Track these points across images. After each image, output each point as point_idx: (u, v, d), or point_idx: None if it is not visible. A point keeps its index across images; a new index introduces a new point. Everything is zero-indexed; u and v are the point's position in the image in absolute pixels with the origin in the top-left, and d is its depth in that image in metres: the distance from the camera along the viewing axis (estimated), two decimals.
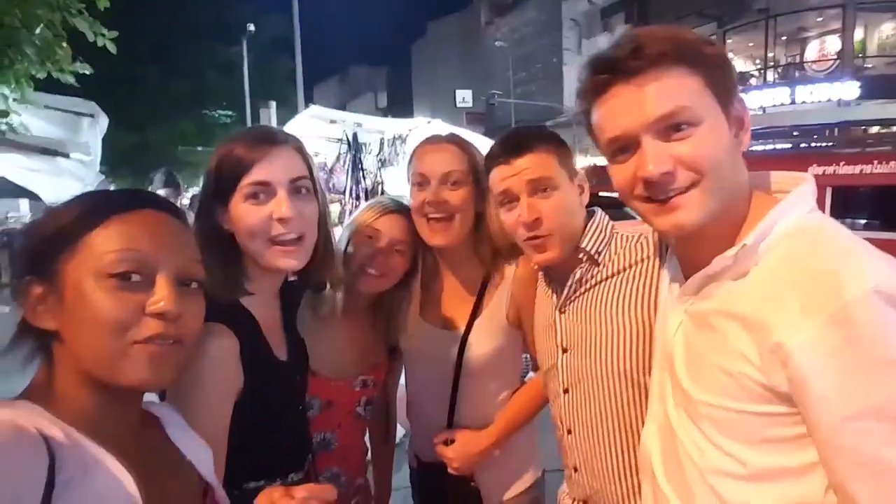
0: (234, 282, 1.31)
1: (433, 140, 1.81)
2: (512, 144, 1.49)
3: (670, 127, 0.96)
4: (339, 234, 1.78)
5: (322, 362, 1.68)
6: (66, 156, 4.71)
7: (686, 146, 0.96)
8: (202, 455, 1.04)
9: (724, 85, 0.99)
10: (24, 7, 3.84)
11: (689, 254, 1.10)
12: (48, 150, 4.56)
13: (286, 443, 1.42)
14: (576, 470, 1.55)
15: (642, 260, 1.43)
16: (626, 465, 1.42)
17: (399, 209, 1.77)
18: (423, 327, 1.82)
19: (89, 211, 0.86)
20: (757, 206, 1.01)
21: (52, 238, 0.85)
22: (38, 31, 4.08)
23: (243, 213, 1.28)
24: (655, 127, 0.97)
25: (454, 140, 1.79)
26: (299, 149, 1.36)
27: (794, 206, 0.97)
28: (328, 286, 1.68)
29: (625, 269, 1.45)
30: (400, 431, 2.23)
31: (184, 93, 17.66)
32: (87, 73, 4.76)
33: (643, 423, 1.37)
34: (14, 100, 4.53)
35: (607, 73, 1.00)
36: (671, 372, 1.08)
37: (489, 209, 1.72)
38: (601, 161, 1.54)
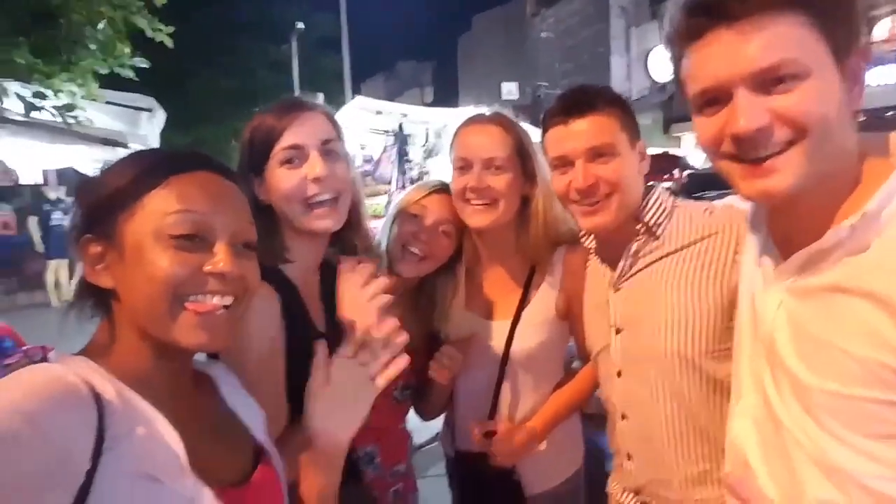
0: (274, 250, 1.34)
1: (477, 120, 1.70)
2: (572, 103, 1.39)
3: (772, 80, 0.86)
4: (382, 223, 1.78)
5: None
6: (126, 146, 4.96)
7: (788, 99, 0.85)
8: (255, 417, 1.04)
9: (844, 33, 0.86)
10: (88, 5, 4.04)
11: (783, 225, 0.98)
12: (109, 142, 4.80)
13: None
14: (629, 458, 1.47)
15: (712, 235, 1.33)
16: (685, 451, 1.36)
17: (447, 189, 1.72)
18: (468, 317, 1.76)
19: (147, 171, 0.86)
20: (871, 173, 0.89)
21: (111, 198, 0.85)
22: (100, 26, 4.28)
23: (279, 177, 1.31)
24: (754, 79, 0.86)
25: (499, 119, 1.68)
26: (326, 114, 1.39)
27: None
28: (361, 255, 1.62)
29: (692, 244, 1.35)
30: (427, 434, 2.14)
31: (236, 90, 18.13)
32: (146, 66, 4.97)
33: (706, 409, 1.32)
34: (81, 96, 4.77)
35: (705, 15, 0.89)
36: (774, 358, 0.95)
37: (537, 192, 1.65)
38: (650, 150, 1.48)
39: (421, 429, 2.05)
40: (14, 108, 4.05)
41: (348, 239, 1.48)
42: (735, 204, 1.33)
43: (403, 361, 1.05)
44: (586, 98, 1.39)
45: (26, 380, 0.72)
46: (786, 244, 0.97)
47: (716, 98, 0.91)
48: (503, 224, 1.65)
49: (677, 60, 0.97)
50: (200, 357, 1.01)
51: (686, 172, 12.19)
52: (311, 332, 1.37)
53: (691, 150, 15.39)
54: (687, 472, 1.36)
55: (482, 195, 1.61)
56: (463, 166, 1.64)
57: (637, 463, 1.45)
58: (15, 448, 0.64)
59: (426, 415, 1.91)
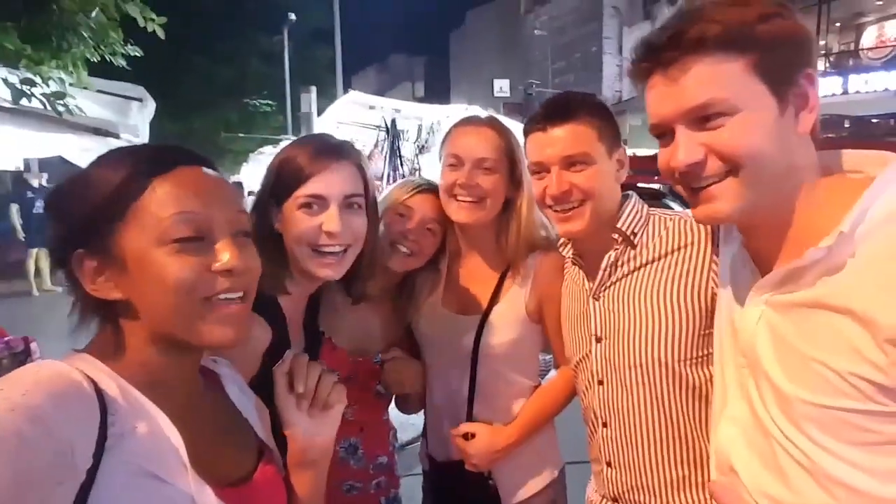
0: (279, 279, 1.36)
1: (471, 121, 1.76)
2: (552, 111, 1.43)
3: (703, 118, 0.93)
4: None
5: (344, 338, 1.68)
6: (117, 136, 4.92)
7: (719, 135, 0.92)
8: (258, 415, 1.05)
9: (781, 63, 0.91)
10: None
11: (755, 240, 1.04)
12: (100, 131, 4.76)
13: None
14: (609, 465, 1.49)
15: (689, 244, 1.37)
16: (665, 457, 1.39)
17: (431, 188, 1.77)
18: (440, 312, 1.79)
19: (130, 177, 0.83)
20: (833, 189, 0.93)
21: (97, 210, 0.82)
22: (93, 14, 4.24)
23: (296, 219, 1.33)
24: (687, 118, 0.95)
25: (491, 123, 1.74)
26: (359, 165, 1.41)
27: (888, 188, 0.86)
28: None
29: (668, 254, 1.39)
30: (412, 432, 2.15)
31: (227, 81, 17.97)
32: (138, 55, 4.93)
33: (685, 415, 1.36)
34: (70, 84, 4.71)
35: (647, 61, 0.99)
36: (756, 368, 0.99)
37: (521, 197, 1.70)
38: (641, 151, 1.52)
39: (406, 427, 2.05)
40: (1, 94, 3.98)
41: (354, 284, 1.52)
42: None
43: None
44: (566, 106, 1.43)
45: (30, 377, 0.72)
46: (761, 258, 1.01)
47: (664, 133, 1.01)
48: (485, 222, 1.71)
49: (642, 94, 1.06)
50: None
51: None
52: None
53: None
54: (667, 478, 1.39)
55: (470, 192, 1.66)
56: (454, 163, 1.69)
57: (617, 470, 1.47)
58: (19, 445, 0.64)
59: (405, 409, 1.93)
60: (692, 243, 1.37)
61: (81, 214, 0.82)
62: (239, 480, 0.92)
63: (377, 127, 8.09)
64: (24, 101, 4.05)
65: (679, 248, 1.38)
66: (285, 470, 1.06)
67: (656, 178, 12.39)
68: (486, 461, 1.70)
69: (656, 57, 0.97)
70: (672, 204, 7.55)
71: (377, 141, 8.18)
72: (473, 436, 1.70)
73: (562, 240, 1.59)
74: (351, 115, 8.05)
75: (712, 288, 1.31)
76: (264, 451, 1.01)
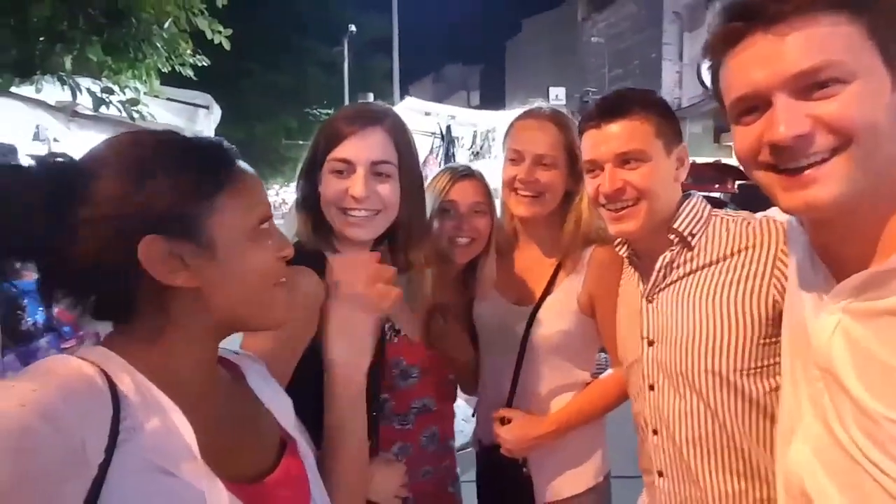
0: (325, 237, 1.42)
1: (533, 115, 1.78)
2: (607, 107, 1.40)
3: (813, 85, 0.81)
4: None
5: (415, 329, 1.70)
6: None
7: (831, 105, 0.80)
8: (282, 405, 1.04)
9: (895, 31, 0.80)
10: (157, 4, 4.24)
11: (833, 241, 0.91)
12: None
13: None
14: (661, 475, 1.44)
15: (751, 247, 1.30)
16: (720, 469, 1.32)
17: (468, 173, 1.82)
18: (496, 300, 1.82)
19: (210, 167, 0.85)
20: None
21: (185, 198, 0.82)
22: (166, 26, 4.49)
23: (326, 182, 1.39)
24: (794, 84, 0.82)
25: (554, 117, 1.75)
26: (392, 130, 1.40)
27: None
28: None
29: (728, 257, 1.32)
30: (461, 439, 2.19)
31: (289, 90, 18.56)
32: (205, 65, 5.18)
33: (741, 427, 1.29)
34: (144, 92, 4.99)
35: (744, 19, 0.85)
36: (833, 384, 0.89)
37: (581, 191, 1.70)
38: (699, 159, 1.49)
39: (458, 433, 2.09)
40: (84, 103, 4.26)
41: (399, 254, 1.52)
42: (776, 216, 1.30)
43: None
44: (621, 102, 1.39)
45: (43, 373, 0.73)
46: (837, 262, 0.91)
47: (754, 106, 0.87)
48: (544, 215, 1.74)
49: (715, 70, 0.94)
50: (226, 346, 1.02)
51: (738, 183, 11.89)
52: None
53: None
54: (723, 490, 1.33)
55: (530, 188, 1.70)
56: (515, 158, 1.73)
57: (669, 481, 1.42)
58: (28, 442, 0.64)
59: (465, 389, 1.98)
60: (754, 246, 1.29)
61: (159, 201, 0.80)
62: (257, 476, 0.91)
63: (432, 133, 8.17)
64: (102, 109, 4.31)
65: (740, 251, 1.31)
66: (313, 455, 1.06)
67: (716, 186, 12.06)
68: (520, 448, 1.72)
69: (759, 13, 0.83)
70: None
71: (432, 147, 8.26)
72: (510, 421, 1.72)
73: (618, 239, 1.57)
74: (407, 122, 8.15)
75: (774, 295, 1.24)
76: (287, 443, 1.00)
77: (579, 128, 1.49)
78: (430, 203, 1.80)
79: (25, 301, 3.52)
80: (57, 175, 0.78)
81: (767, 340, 1.25)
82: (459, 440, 2.87)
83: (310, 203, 1.44)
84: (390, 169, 1.40)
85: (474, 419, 2.07)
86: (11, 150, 4.22)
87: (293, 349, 1.27)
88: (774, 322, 1.23)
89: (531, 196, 1.71)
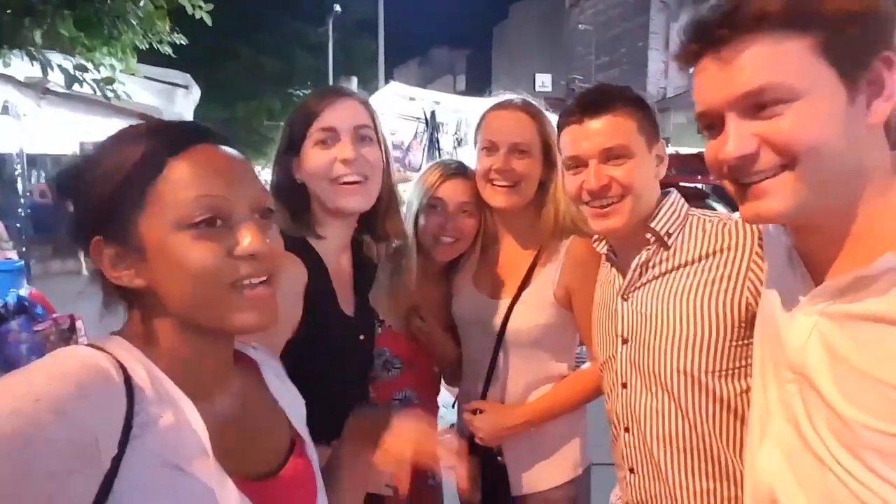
0: (305, 222, 1.40)
1: (505, 105, 1.76)
2: (589, 102, 1.38)
3: (758, 105, 0.83)
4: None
5: (396, 319, 1.73)
6: None
7: (774, 125, 0.82)
8: (295, 405, 1.03)
9: (853, 44, 0.80)
10: None
11: (810, 247, 0.93)
12: (145, 117, 4.88)
13: (345, 406, 1.36)
14: (632, 471, 1.45)
15: (727, 249, 1.29)
16: (689, 468, 1.33)
17: (459, 171, 1.81)
18: (473, 294, 1.82)
19: (143, 160, 0.79)
20: None
21: (112, 195, 0.79)
22: (141, 3, 4.35)
23: (311, 156, 1.38)
24: (741, 104, 0.84)
25: (525, 107, 1.74)
26: (364, 102, 1.46)
27: None
28: (392, 241, 1.65)
29: (704, 258, 1.32)
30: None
31: (271, 71, 18.30)
32: (184, 43, 5.04)
33: (711, 428, 1.29)
34: (120, 70, 4.84)
35: (698, 41, 0.89)
36: (807, 387, 0.89)
37: (556, 179, 1.69)
38: (684, 149, 1.47)
39: (439, 419, 2.10)
40: (56, 80, 4.12)
41: (378, 224, 1.52)
42: None
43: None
44: (603, 98, 1.37)
45: (58, 365, 0.72)
46: (814, 264, 0.92)
47: (712, 123, 0.90)
48: (521, 206, 1.72)
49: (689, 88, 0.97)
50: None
51: None
52: (336, 313, 1.41)
53: None
54: (692, 489, 1.34)
55: (506, 177, 1.68)
56: (489, 147, 1.71)
57: (639, 477, 1.43)
58: (42, 438, 0.65)
59: (449, 381, 2.00)
60: (730, 248, 1.29)
61: (97, 200, 0.79)
62: (266, 474, 0.90)
63: (416, 118, 8.11)
64: (76, 87, 4.18)
65: (715, 253, 1.31)
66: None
67: (700, 177, 12.11)
68: (492, 437, 1.71)
69: (708, 36, 0.86)
70: (716, 205, 7.35)
71: (416, 132, 8.20)
72: (483, 411, 1.73)
73: (596, 235, 1.54)
74: (391, 107, 8.08)
75: (748, 297, 1.24)
76: (297, 442, 0.98)
77: (558, 123, 1.46)
78: (417, 197, 1.79)
79: None
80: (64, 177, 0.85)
81: (740, 343, 1.25)
82: (440, 425, 2.89)
83: (286, 189, 1.41)
84: (372, 133, 1.42)
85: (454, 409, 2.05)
86: None
87: (275, 339, 1.22)
88: (748, 324, 1.23)
89: (508, 186, 1.68)
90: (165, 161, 0.79)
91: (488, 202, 1.73)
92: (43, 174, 10.62)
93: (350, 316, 1.45)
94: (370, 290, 1.58)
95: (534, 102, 1.77)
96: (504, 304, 1.75)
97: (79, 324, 3.63)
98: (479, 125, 1.79)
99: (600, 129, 1.34)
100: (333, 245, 1.44)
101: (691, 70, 0.94)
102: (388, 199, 1.50)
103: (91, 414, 0.69)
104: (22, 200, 6.78)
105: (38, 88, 4.29)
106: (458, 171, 1.81)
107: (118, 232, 0.80)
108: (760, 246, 1.22)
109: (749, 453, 1.06)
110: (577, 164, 1.38)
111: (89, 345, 0.80)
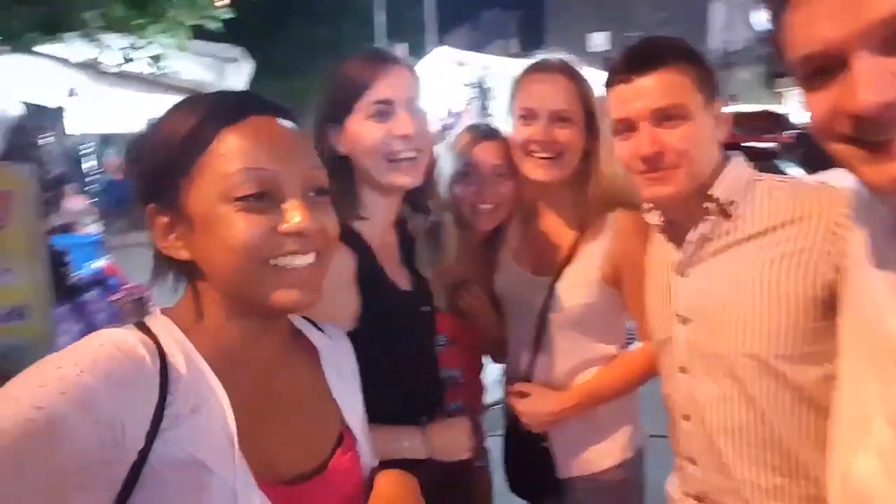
0: (347, 204, 1.32)
1: (541, 67, 1.62)
2: (638, 58, 1.23)
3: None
4: None
5: (441, 299, 1.65)
6: None
7: None
8: (351, 399, 1.00)
9: None
10: None
11: None
12: (194, 93, 4.98)
13: (416, 381, 1.40)
14: (691, 461, 1.34)
15: (801, 218, 1.15)
16: (756, 461, 1.22)
17: (490, 133, 1.72)
18: (515, 270, 1.73)
19: (197, 129, 0.79)
20: None
21: (165, 164, 0.80)
22: None
23: (364, 130, 1.29)
24: (877, 38, 0.65)
25: (564, 69, 1.60)
26: (413, 70, 1.38)
27: None
28: (431, 215, 1.61)
29: (774, 229, 1.18)
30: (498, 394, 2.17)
31: (323, 40, 18.37)
32: (232, 17, 5.08)
33: (782, 419, 1.17)
34: (172, 48, 4.93)
35: None
36: None
37: (598, 148, 1.57)
38: (748, 107, 1.30)
39: (492, 387, 2.07)
40: (109, 60, 4.23)
41: (422, 196, 1.47)
42: (832, 182, 1.13)
43: None
44: (654, 51, 1.22)
45: (91, 353, 0.71)
46: None
47: (827, 66, 0.71)
48: (563, 178, 1.60)
49: (775, 22, 0.78)
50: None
51: (796, 132, 11.04)
52: (391, 291, 1.37)
53: (795, 107, 14.15)
54: (758, 484, 1.22)
55: (547, 148, 1.56)
56: (527, 115, 1.58)
57: (702, 468, 1.32)
58: (66, 432, 0.65)
59: (492, 356, 1.93)
60: (805, 217, 1.14)
61: (152, 168, 0.81)
62: (307, 473, 0.87)
63: (467, 84, 7.98)
64: (128, 66, 4.28)
65: (787, 223, 1.16)
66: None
67: (766, 136, 11.49)
68: (537, 422, 1.65)
69: None
70: (785, 167, 6.86)
71: (468, 99, 8.08)
72: (528, 395, 1.66)
73: (647, 204, 1.40)
74: (441, 72, 7.97)
75: (827, 273, 1.09)
76: (345, 436, 0.95)
77: (606, 83, 1.32)
78: (449, 165, 1.72)
79: (71, 256, 3.60)
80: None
81: (817, 324, 1.12)
82: (490, 397, 2.88)
83: (328, 164, 1.33)
84: (420, 107, 1.35)
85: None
86: (56, 113, 4.27)
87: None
88: (826, 304, 1.09)
89: (549, 158, 1.56)
90: (217, 132, 0.79)
91: (528, 176, 1.62)
92: (116, 151, 11.25)
93: (406, 290, 1.42)
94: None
95: (570, 62, 1.62)
96: (546, 282, 1.65)
97: (150, 294, 3.77)
98: (513, 91, 1.66)
99: (651, 88, 1.20)
100: (379, 223, 1.39)
101: (756, 21, 0.78)
102: (431, 172, 1.45)
103: (118, 407, 0.69)
104: (98, 176, 7.09)
105: (95, 69, 4.42)
106: (489, 133, 1.72)
107: (169, 201, 0.80)
108: (845, 215, 1.05)
109: (838, 456, 0.91)
110: (627, 127, 1.24)
111: (136, 324, 0.80)
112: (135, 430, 0.70)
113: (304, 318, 1.02)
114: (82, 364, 0.69)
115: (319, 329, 1.03)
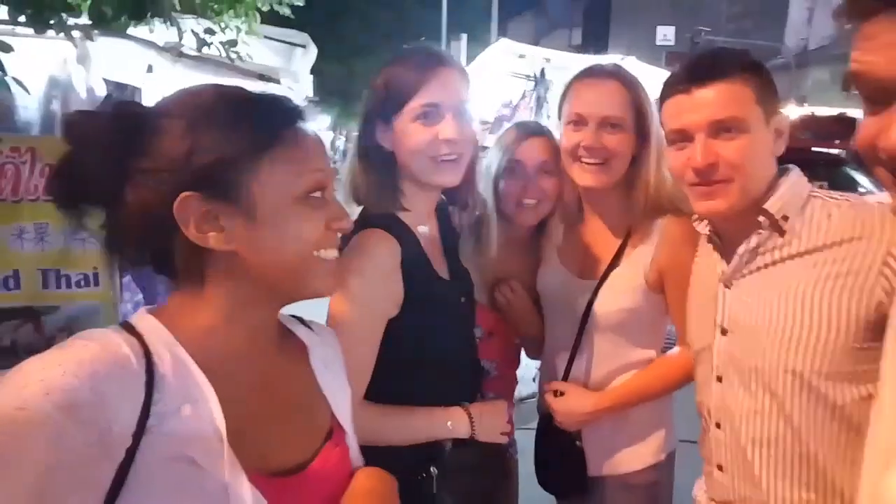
0: (391, 196, 1.39)
1: (593, 73, 1.65)
2: (699, 69, 1.23)
3: None
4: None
5: (480, 291, 1.72)
6: (278, 82, 5.28)
7: None
8: (340, 394, 1.03)
9: None
10: None
11: None
12: (263, 77, 5.13)
13: (455, 369, 1.46)
14: (720, 469, 1.36)
15: (858, 238, 1.14)
16: (786, 475, 1.23)
17: (537, 130, 1.74)
18: (559, 270, 1.76)
19: (261, 127, 0.83)
20: None
21: (227, 157, 0.80)
22: None
23: (411, 132, 1.34)
24: None
25: (617, 73, 1.63)
26: (463, 71, 1.43)
27: None
28: (474, 210, 1.67)
29: (827, 247, 1.17)
30: (533, 387, 2.22)
31: (386, 25, 18.48)
32: (300, 3, 5.22)
33: (818, 436, 1.17)
34: (245, 32, 5.10)
35: None
36: None
37: (649, 155, 1.59)
38: (824, 110, 1.28)
39: (526, 381, 2.12)
40: (189, 43, 4.43)
41: (460, 192, 1.53)
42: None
43: None
44: (715, 63, 1.24)
45: (76, 354, 0.72)
46: None
47: (890, 92, 0.66)
48: (611, 184, 1.64)
49: (851, 37, 0.72)
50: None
51: None
52: (434, 280, 1.43)
53: None
54: (787, 498, 1.24)
55: (596, 154, 1.58)
56: (577, 121, 1.61)
57: (729, 476, 1.34)
58: (48, 434, 0.65)
59: (530, 353, 1.98)
60: (861, 237, 1.14)
61: (202, 157, 0.79)
62: (297, 467, 0.90)
63: (526, 76, 7.92)
64: (204, 50, 4.47)
65: (843, 242, 1.16)
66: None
67: (838, 142, 10.91)
68: (571, 421, 1.69)
69: None
70: (855, 175, 6.51)
71: (525, 91, 8.03)
72: (564, 394, 1.69)
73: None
74: (501, 64, 7.94)
75: (880, 296, 1.09)
76: (335, 430, 0.99)
77: (662, 93, 1.34)
78: (496, 160, 1.76)
79: None
80: (123, 123, 0.80)
81: (863, 345, 1.12)
82: (525, 391, 2.93)
83: (374, 158, 1.40)
84: (467, 108, 1.39)
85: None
86: (135, 92, 4.51)
87: (376, 316, 1.30)
88: (876, 326, 1.10)
89: (597, 164, 1.59)
90: (279, 132, 0.85)
91: (576, 181, 1.65)
92: None
93: (447, 279, 1.47)
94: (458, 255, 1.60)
95: (624, 66, 1.66)
96: (590, 284, 1.69)
97: None
98: (564, 95, 1.69)
99: (711, 100, 1.20)
100: (420, 214, 1.45)
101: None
102: (472, 169, 1.50)
103: (102, 408, 0.69)
104: None
105: (174, 53, 4.64)
106: (536, 130, 1.75)
107: (223, 192, 0.81)
108: None
109: (870, 476, 0.88)
110: (683, 138, 1.26)
111: (122, 324, 0.81)
112: (122, 429, 0.71)
113: (292, 315, 1.06)
114: (66, 365, 0.69)
115: (307, 326, 1.07)
